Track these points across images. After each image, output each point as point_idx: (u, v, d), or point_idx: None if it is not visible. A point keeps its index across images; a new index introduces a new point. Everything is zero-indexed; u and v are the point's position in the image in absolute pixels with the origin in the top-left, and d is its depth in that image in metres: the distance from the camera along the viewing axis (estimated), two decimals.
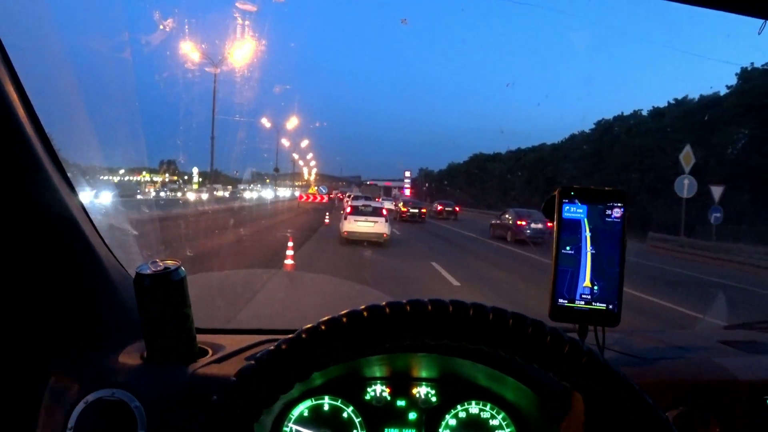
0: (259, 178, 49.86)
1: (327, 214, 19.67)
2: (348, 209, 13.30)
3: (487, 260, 11.20)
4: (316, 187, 34.56)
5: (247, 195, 37.93)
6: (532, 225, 15.25)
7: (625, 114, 31.01)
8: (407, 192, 55.80)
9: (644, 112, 29.51)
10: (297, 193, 32.96)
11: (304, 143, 44.07)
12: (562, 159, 34.82)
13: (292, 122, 35.06)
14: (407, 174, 64.19)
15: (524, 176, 39.97)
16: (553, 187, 0.87)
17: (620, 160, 26.93)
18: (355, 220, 12.70)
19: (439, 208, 29.04)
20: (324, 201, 30.36)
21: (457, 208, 29.76)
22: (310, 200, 30.86)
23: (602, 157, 29.54)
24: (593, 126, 33.06)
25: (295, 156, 48.49)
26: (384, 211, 13.20)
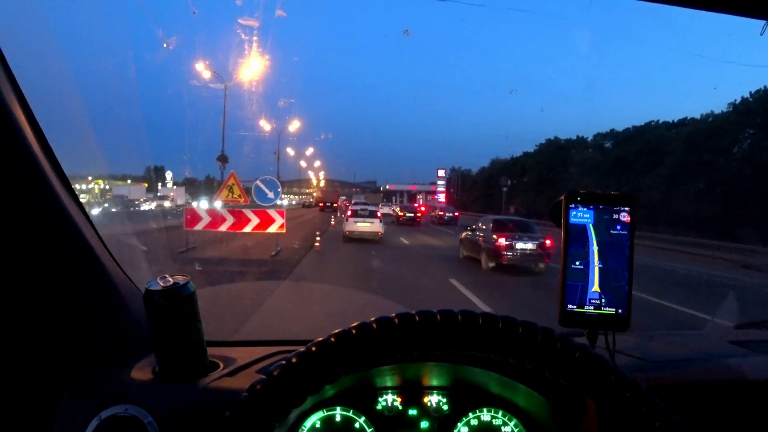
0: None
1: None
2: (348, 213, 15.75)
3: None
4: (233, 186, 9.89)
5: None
6: (447, 214, 27.38)
7: None
8: (441, 198, 42.54)
9: None
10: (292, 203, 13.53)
11: (294, 126, 26.71)
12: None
13: (270, 83, 20.95)
14: (441, 173, 48.62)
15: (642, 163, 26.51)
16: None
17: None
18: (354, 222, 15.15)
19: None
20: (276, 226, 9.28)
21: None
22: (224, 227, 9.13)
23: None
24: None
25: (290, 152, 31.76)
26: (379, 214, 15.76)
